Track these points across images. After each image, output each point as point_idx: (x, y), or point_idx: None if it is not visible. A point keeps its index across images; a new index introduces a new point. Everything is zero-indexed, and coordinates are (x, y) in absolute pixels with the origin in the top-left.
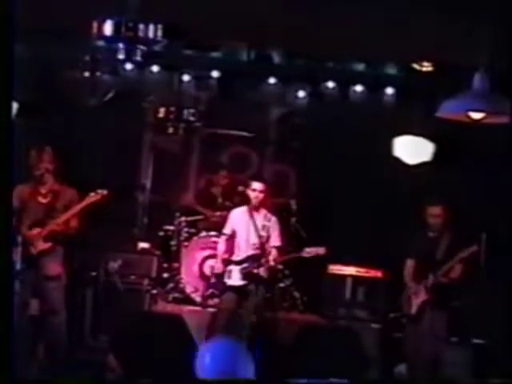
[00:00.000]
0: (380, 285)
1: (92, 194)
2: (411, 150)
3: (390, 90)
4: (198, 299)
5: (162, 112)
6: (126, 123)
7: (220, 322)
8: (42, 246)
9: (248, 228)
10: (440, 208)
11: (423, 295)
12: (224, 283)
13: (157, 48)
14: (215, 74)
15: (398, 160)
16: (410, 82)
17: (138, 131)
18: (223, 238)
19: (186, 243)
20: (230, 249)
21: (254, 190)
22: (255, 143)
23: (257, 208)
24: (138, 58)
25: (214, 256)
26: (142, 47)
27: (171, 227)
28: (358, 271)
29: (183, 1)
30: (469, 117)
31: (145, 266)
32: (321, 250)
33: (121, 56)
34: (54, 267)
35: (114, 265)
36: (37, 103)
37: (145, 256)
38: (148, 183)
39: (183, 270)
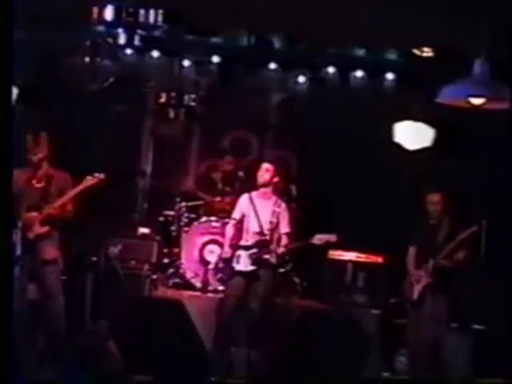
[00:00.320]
0: (380, 270)
1: (89, 177)
2: (411, 135)
3: (390, 76)
4: (198, 284)
5: (162, 97)
6: (126, 109)
7: (228, 307)
8: (39, 230)
9: (258, 213)
10: (439, 195)
11: (424, 280)
12: (232, 268)
13: (157, 33)
14: (216, 59)
15: (398, 145)
16: (410, 67)
17: (138, 116)
18: (232, 222)
19: (186, 228)
20: (239, 234)
21: (267, 170)
22: (255, 129)
23: (267, 193)
24: (139, 43)
25: (214, 241)
26: (142, 32)
27: (171, 212)
28: (359, 257)
29: None
30: (469, 102)
31: (145, 251)
32: (332, 238)
33: (121, 41)
34: (50, 251)
35: (115, 250)
36: (37, 89)
37: (145, 241)
38: (148, 168)
39: (183, 255)
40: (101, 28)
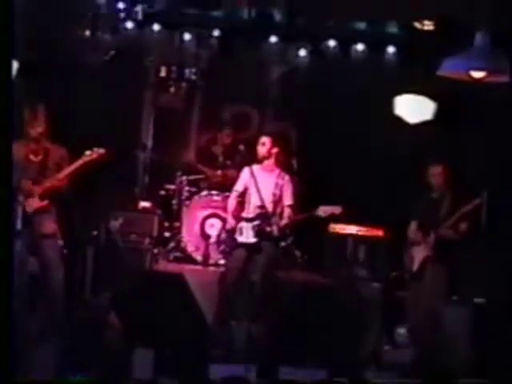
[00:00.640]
0: (381, 244)
1: (88, 152)
2: (412, 108)
3: (391, 49)
4: (199, 258)
5: (163, 71)
6: (127, 82)
7: (229, 280)
8: (37, 203)
9: (260, 186)
10: (441, 167)
11: (425, 252)
12: (235, 240)
13: (158, 6)
14: (216, 32)
15: (399, 119)
16: (411, 40)
17: (139, 90)
18: (234, 194)
19: (187, 202)
20: (241, 206)
21: (264, 143)
22: (256, 102)
23: (270, 165)
24: (139, 17)
25: (215, 215)
26: (143, 6)
27: (172, 186)
28: (360, 230)
29: None
30: (470, 76)
31: (146, 225)
32: (337, 210)
33: (122, 14)
34: (48, 225)
35: (115, 224)
36: (37, 62)
37: (146, 215)
38: (149, 142)
39: (184, 229)
40: (102, 1)
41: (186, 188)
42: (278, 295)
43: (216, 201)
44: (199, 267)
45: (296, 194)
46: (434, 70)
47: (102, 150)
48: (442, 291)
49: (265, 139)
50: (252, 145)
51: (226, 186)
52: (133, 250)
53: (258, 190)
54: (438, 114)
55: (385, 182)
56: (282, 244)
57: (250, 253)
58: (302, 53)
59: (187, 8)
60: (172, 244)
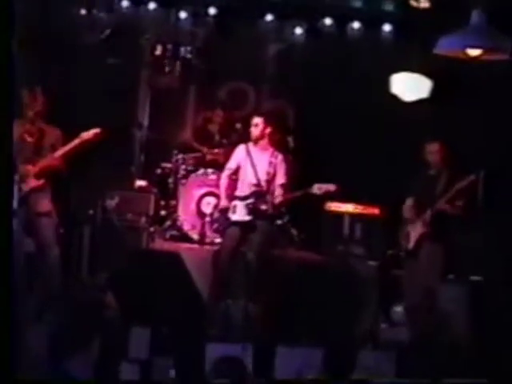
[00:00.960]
0: (377, 222)
1: (84, 133)
2: (408, 86)
3: (387, 27)
4: (195, 237)
5: (158, 49)
6: (123, 61)
7: (224, 258)
8: (34, 183)
9: (254, 164)
10: (438, 144)
11: (421, 229)
12: (228, 218)
13: None
14: (212, 10)
15: (395, 97)
16: (407, 18)
17: (134, 69)
18: (227, 172)
19: (183, 181)
20: (234, 184)
21: (256, 124)
22: (252, 80)
23: (264, 144)
24: None
25: (211, 193)
26: None
27: (168, 165)
28: (356, 208)
29: None
30: (466, 53)
31: (142, 203)
32: (331, 187)
33: None
34: (44, 204)
35: (112, 203)
36: (32, 41)
37: (142, 194)
38: (145, 121)
39: (180, 207)
40: None
41: (183, 166)
42: (274, 274)
43: (212, 179)
44: (196, 246)
45: (290, 173)
46: (430, 48)
47: (97, 130)
48: (438, 269)
49: (257, 120)
50: (248, 123)
51: (222, 165)
52: (129, 228)
53: (252, 169)
54: (435, 91)
55: (381, 161)
56: (279, 222)
57: (244, 231)
58: (298, 31)
59: None
60: (168, 223)
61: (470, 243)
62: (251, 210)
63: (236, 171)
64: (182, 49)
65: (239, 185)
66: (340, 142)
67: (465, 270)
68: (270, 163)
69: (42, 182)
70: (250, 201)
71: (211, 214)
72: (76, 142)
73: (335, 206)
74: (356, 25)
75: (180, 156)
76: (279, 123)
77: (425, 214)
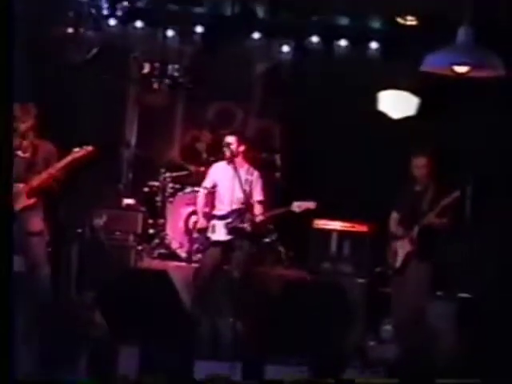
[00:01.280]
0: (365, 239)
1: (76, 149)
2: (396, 104)
3: (374, 45)
4: (183, 255)
5: (146, 68)
6: (111, 79)
7: (204, 277)
8: (25, 201)
9: (230, 182)
10: (425, 159)
11: (409, 246)
12: (208, 238)
13: (140, 3)
14: (199, 28)
15: (382, 114)
16: (394, 36)
17: (122, 87)
18: (203, 191)
19: (170, 199)
20: (211, 203)
21: (228, 144)
22: (239, 98)
23: (239, 162)
24: (122, 14)
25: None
26: (125, 3)
27: (156, 183)
28: (344, 226)
29: None
30: (453, 70)
31: (130, 222)
32: (311, 205)
33: (105, 12)
34: (36, 223)
35: (100, 221)
36: (20, 60)
37: (130, 212)
38: (133, 139)
39: (168, 225)
40: None
41: (170, 185)
42: (261, 292)
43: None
44: (184, 264)
45: (267, 190)
46: (417, 66)
47: (90, 148)
48: (425, 287)
49: (229, 139)
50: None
51: None
52: (117, 247)
53: (228, 187)
54: (421, 108)
55: (369, 178)
56: (267, 240)
57: (225, 251)
58: (285, 49)
59: (170, 4)
60: (156, 241)
61: (456, 259)
62: (231, 229)
63: (212, 189)
64: (170, 67)
65: (217, 203)
66: (327, 159)
67: (453, 286)
68: (246, 180)
69: (33, 200)
70: (229, 220)
71: (191, 234)
72: (69, 158)
73: (323, 224)
74: (343, 42)
75: (167, 174)
76: (266, 141)
77: (412, 231)
